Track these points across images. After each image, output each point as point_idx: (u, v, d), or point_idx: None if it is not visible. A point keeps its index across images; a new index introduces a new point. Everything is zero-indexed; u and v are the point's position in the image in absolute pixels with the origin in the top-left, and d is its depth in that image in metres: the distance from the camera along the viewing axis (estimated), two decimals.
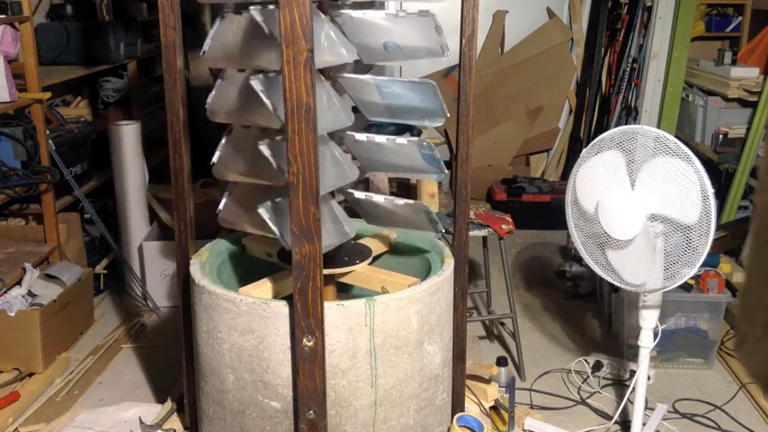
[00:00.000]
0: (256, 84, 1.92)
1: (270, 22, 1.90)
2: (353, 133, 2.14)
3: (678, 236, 2.13)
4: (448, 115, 2.05)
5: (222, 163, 2.22)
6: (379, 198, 2.17)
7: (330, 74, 2.11)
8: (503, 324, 3.45)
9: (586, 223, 2.33)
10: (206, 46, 2.10)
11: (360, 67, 2.20)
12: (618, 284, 2.32)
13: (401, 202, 2.16)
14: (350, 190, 2.24)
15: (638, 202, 2.17)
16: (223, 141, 2.23)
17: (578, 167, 2.34)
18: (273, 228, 2.02)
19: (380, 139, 2.09)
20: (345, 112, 2.08)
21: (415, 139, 2.05)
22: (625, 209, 2.19)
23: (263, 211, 2.00)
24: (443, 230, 2.23)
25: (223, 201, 2.32)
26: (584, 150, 2.35)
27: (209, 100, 2.17)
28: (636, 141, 2.19)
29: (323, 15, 1.98)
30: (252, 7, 1.91)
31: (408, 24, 1.96)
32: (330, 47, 1.97)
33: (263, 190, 2.17)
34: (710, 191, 2.04)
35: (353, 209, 2.36)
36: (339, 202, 2.28)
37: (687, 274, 2.13)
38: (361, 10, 2.02)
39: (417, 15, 1.93)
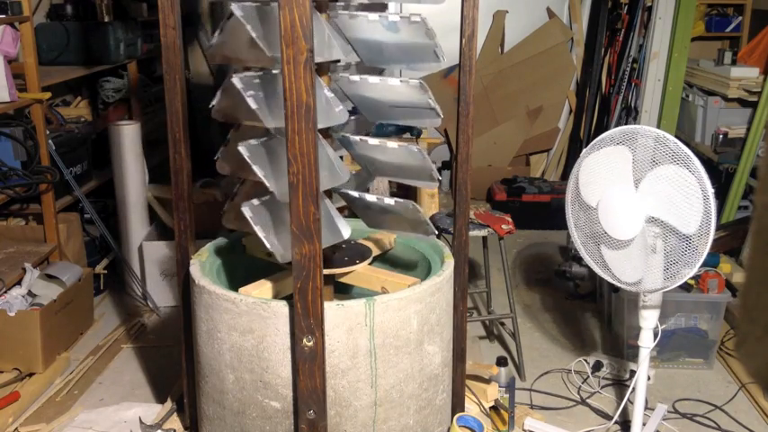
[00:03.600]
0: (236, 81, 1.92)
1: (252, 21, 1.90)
2: (349, 135, 2.14)
3: (674, 240, 2.13)
4: (441, 116, 2.02)
5: (226, 158, 2.20)
6: (371, 197, 2.14)
7: (329, 74, 2.10)
8: (503, 324, 3.45)
9: (586, 216, 2.33)
10: (212, 41, 2.08)
11: (364, 69, 2.20)
12: (616, 283, 2.32)
13: (391, 201, 2.11)
14: (347, 191, 2.23)
15: (639, 203, 2.17)
16: (230, 136, 2.20)
17: (583, 159, 2.33)
18: (256, 227, 2.00)
19: (373, 141, 2.08)
20: (338, 110, 2.07)
21: (405, 145, 2.01)
22: (627, 209, 2.19)
23: (245, 210, 1.98)
24: (434, 233, 2.20)
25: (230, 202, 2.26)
26: (584, 150, 2.35)
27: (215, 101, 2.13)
28: (638, 142, 2.19)
29: (318, 14, 1.98)
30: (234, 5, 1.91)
31: (402, 27, 1.94)
32: (323, 44, 1.96)
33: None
34: (711, 191, 2.05)
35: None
36: (341, 208, 2.28)
37: (687, 274, 2.14)
38: (359, 11, 2.01)
39: (409, 19, 1.90)
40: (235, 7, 1.92)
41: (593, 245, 2.34)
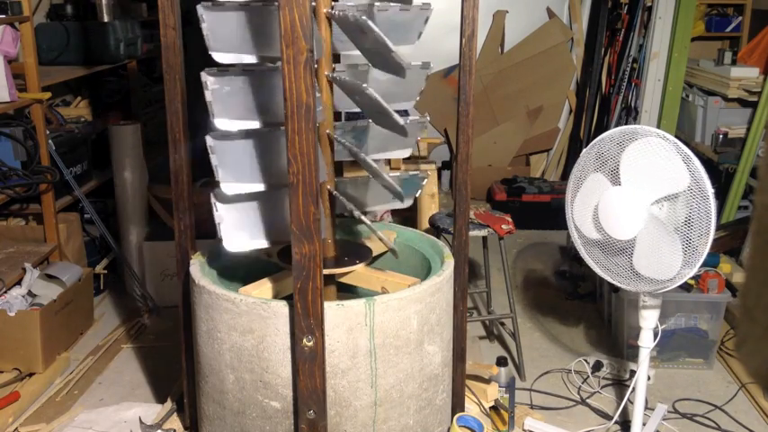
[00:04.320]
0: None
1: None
2: (337, 135, 2.15)
3: (680, 205, 2.13)
4: (404, 128, 1.96)
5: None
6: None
7: (327, 74, 2.10)
8: (503, 324, 3.45)
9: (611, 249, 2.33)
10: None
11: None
12: (618, 285, 2.32)
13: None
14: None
15: (632, 195, 2.17)
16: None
17: (571, 207, 2.37)
18: (215, 215, 2.08)
19: (350, 143, 2.11)
20: (318, 110, 2.06)
21: (361, 153, 2.03)
22: (622, 207, 2.19)
23: (213, 198, 2.07)
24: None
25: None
26: (583, 151, 2.35)
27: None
28: (604, 143, 2.21)
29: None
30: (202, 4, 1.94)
31: (366, 31, 1.91)
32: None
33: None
34: (710, 191, 2.04)
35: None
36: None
37: (687, 274, 2.13)
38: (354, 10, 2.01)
39: (365, 23, 1.84)
40: (198, 8, 1.93)
41: (599, 251, 2.33)
